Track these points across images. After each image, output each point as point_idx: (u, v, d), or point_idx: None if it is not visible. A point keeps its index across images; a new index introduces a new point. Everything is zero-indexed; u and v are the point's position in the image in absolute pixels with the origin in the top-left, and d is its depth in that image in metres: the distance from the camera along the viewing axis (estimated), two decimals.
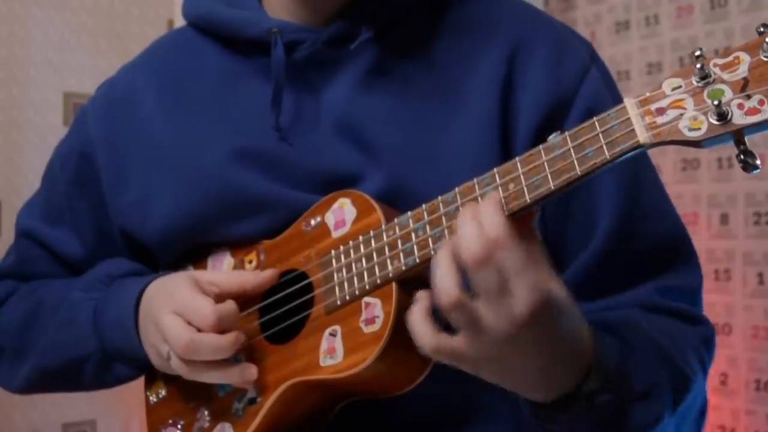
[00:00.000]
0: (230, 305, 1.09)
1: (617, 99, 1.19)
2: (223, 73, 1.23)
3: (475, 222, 0.87)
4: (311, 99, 1.17)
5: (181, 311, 1.08)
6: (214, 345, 1.06)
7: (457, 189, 0.96)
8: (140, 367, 1.22)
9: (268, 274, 1.12)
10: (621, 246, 1.12)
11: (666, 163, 2.76)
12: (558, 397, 0.94)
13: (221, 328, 1.07)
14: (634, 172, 1.15)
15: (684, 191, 2.71)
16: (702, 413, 1.12)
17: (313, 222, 1.11)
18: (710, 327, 1.15)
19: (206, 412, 1.16)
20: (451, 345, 0.89)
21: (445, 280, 0.87)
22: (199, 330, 1.07)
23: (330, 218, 1.10)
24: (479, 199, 0.93)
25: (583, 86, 1.15)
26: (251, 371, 1.09)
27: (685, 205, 2.70)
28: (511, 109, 1.14)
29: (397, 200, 1.08)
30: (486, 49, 1.16)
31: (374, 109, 1.15)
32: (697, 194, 2.70)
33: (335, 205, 1.10)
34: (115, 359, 1.21)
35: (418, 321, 0.90)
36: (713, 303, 2.62)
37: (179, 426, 1.19)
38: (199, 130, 1.20)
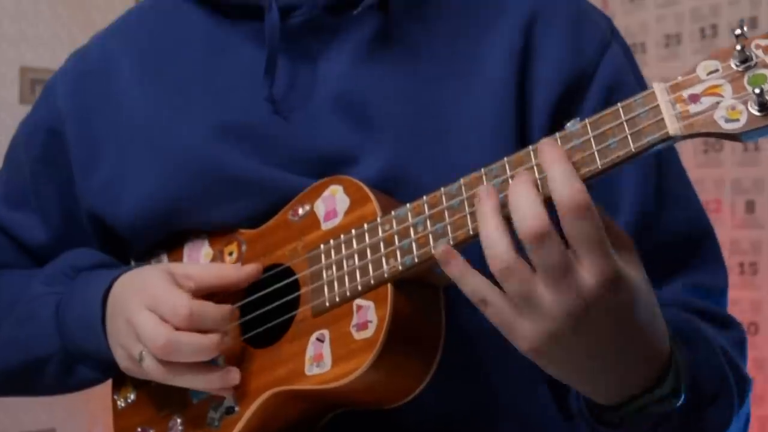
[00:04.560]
0: (206, 303, 1.07)
1: (639, 78, 1.19)
2: (210, 40, 1.22)
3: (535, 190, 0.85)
4: (307, 70, 1.16)
5: (154, 306, 1.07)
6: (194, 345, 1.05)
7: (462, 180, 0.94)
8: (106, 369, 1.20)
9: (250, 270, 1.11)
10: (643, 236, 1.11)
11: (686, 145, 2.76)
12: (626, 398, 0.92)
13: (195, 326, 1.05)
14: (658, 158, 1.14)
15: (705, 176, 2.72)
16: (747, 421, 1.11)
17: (300, 211, 1.10)
18: (742, 330, 1.15)
19: (179, 421, 1.15)
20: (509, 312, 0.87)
21: (494, 241, 0.85)
22: (177, 328, 1.06)
23: (320, 207, 1.08)
24: None
25: (604, 60, 1.15)
26: (233, 375, 1.07)
27: (706, 191, 2.71)
28: (528, 82, 1.13)
29: (398, 185, 1.07)
30: (500, 18, 1.16)
31: (377, 82, 1.14)
32: (720, 179, 2.70)
33: (326, 193, 1.08)
34: (79, 360, 1.20)
35: (494, 225, 0.87)
36: (738, 299, 2.62)
37: None
38: (181, 103, 1.19)
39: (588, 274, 0.83)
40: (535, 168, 0.89)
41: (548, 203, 0.86)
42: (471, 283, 0.89)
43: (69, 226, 1.29)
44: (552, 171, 0.85)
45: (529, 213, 0.84)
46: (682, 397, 0.92)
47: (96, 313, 1.15)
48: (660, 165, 1.14)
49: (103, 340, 1.15)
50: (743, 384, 1.04)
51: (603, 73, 1.14)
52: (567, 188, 0.83)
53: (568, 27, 1.16)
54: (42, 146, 1.28)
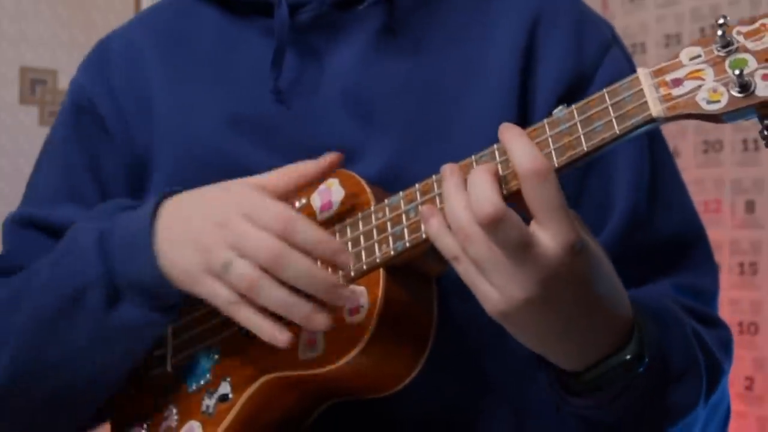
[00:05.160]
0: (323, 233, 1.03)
1: None
2: (222, 36, 1.24)
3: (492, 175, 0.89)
4: (314, 65, 1.18)
5: (255, 214, 1.02)
6: (305, 268, 0.99)
7: None
8: (153, 307, 1.10)
9: (330, 159, 1.07)
10: (634, 238, 1.13)
11: (686, 145, 2.77)
12: (591, 364, 0.95)
13: (292, 236, 1.00)
14: (653, 158, 1.16)
15: (705, 176, 2.72)
16: (727, 417, 1.13)
17: (297, 204, 1.11)
18: (728, 330, 1.16)
19: (174, 410, 1.15)
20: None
21: (456, 214, 0.90)
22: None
23: (316, 200, 1.10)
24: None
25: (604, 62, 1.17)
26: (286, 335, 1.01)
27: (706, 191, 2.71)
28: (531, 81, 1.15)
29: (399, 182, 1.07)
30: (504, 17, 1.18)
31: (382, 78, 1.16)
32: (720, 179, 2.70)
33: (322, 186, 1.10)
34: (124, 291, 1.10)
35: (456, 200, 0.91)
36: (738, 299, 2.63)
37: (145, 426, 1.18)
38: (193, 96, 1.21)
39: (551, 241, 0.87)
40: (499, 166, 0.92)
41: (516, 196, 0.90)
42: (445, 241, 0.92)
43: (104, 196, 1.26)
44: (512, 145, 0.89)
45: (482, 197, 0.87)
46: (645, 361, 0.95)
47: (143, 229, 1.08)
48: (654, 167, 1.16)
49: (152, 257, 1.07)
50: (715, 370, 1.06)
51: (603, 74, 1.16)
52: (527, 156, 0.87)
53: (571, 28, 1.18)
54: (74, 124, 1.28)
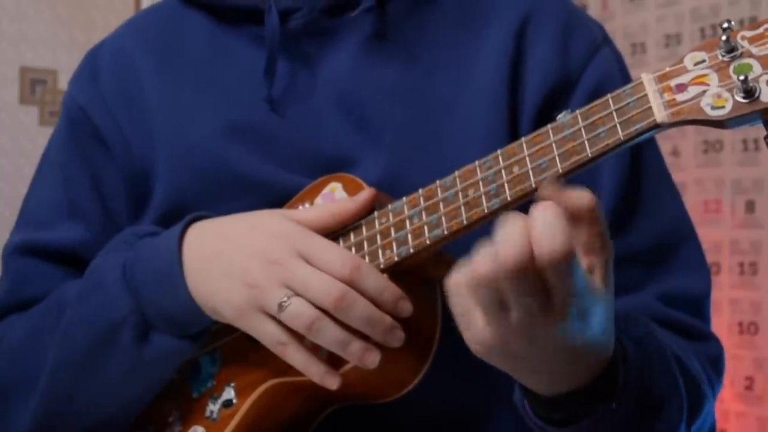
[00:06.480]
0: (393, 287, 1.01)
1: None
2: (212, 43, 1.24)
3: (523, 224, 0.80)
4: (307, 72, 1.19)
5: (315, 256, 1.02)
6: (368, 310, 0.99)
7: (456, 173, 0.97)
8: (184, 335, 1.11)
9: (365, 196, 1.06)
10: (618, 238, 1.11)
11: (686, 144, 2.77)
12: (567, 391, 0.92)
13: (357, 283, 1.00)
14: (639, 158, 1.16)
15: (705, 176, 2.72)
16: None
17: (301, 208, 1.12)
18: (718, 345, 1.16)
19: (178, 415, 1.16)
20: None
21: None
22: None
23: (319, 203, 1.10)
24: (480, 183, 0.94)
25: (591, 64, 1.17)
26: (334, 378, 1.02)
27: (707, 191, 2.71)
28: (519, 85, 1.15)
29: (397, 187, 1.08)
30: (493, 23, 1.18)
31: (375, 84, 1.16)
32: (720, 179, 2.71)
33: (325, 190, 1.10)
34: (154, 323, 1.10)
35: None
36: (738, 299, 2.63)
37: (149, 431, 1.18)
38: (189, 102, 1.21)
39: (560, 317, 0.82)
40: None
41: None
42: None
43: (107, 219, 1.25)
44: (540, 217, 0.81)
45: (510, 241, 0.80)
46: (612, 406, 0.92)
47: (170, 257, 1.08)
48: (638, 167, 1.16)
49: (183, 288, 1.07)
50: (697, 395, 1.04)
51: (590, 76, 1.16)
52: (550, 241, 0.79)
53: (559, 31, 1.18)
54: (69, 139, 1.27)
